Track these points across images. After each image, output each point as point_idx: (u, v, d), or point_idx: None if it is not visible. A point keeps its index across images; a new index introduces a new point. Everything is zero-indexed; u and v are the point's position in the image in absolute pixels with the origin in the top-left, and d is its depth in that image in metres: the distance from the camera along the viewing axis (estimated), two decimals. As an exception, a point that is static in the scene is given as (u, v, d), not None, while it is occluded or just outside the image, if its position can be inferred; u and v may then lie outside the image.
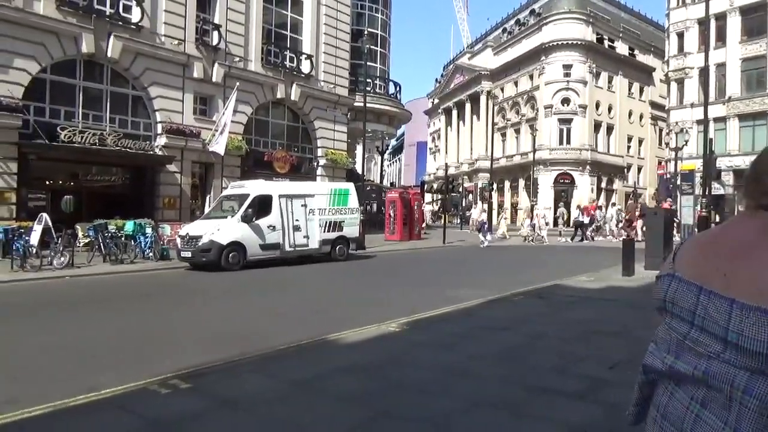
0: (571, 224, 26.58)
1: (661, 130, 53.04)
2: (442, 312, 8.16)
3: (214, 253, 13.99)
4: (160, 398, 4.55)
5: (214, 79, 23.01)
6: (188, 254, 14.37)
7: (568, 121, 48.61)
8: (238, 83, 22.87)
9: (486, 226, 23.98)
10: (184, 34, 22.05)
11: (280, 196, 15.65)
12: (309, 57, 27.16)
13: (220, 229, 14.33)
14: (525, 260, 18.15)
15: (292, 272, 14.37)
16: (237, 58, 24.05)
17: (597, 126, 49.85)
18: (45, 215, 14.51)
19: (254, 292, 11.32)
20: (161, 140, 21.38)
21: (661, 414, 1.38)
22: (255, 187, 15.73)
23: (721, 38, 39.03)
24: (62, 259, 13.74)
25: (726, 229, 1.51)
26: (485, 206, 34.50)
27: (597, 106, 49.56)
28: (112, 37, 19.64)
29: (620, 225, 27.01)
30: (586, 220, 27.44)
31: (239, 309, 9.22)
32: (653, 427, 1.41)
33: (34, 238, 13.88)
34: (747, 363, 1.20)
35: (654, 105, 54.57)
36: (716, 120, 37.41)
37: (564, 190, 47.45)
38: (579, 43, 48.10)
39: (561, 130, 48.74)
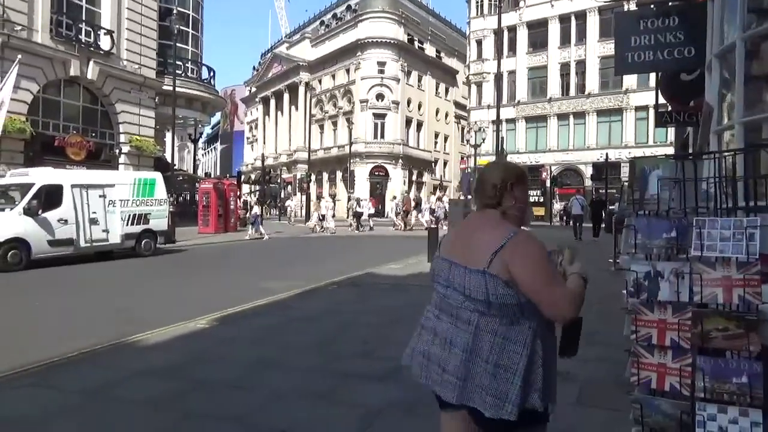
0: (351, 215, 28.73)
1: (463, 128, 58.13)
2: (255, 305, 8.01)
3: (-12, 251, 12.06)
4: None
5: (-13, 49, 19.74)
6: (-48, 253, 12.19)
7: (383, 116, 50.88)
8: (20, 56, 19.85)
9: (258, 218, 23.63)
10: (-54, -7, 18.56)
11: (73, 186, 13.98)
12: (109, 32, 24.62)
13: (-4, 224, 12.40)
14: (338, 250, 18.61)
15: (88, 270, 12.96)
16: (19, 27, 20.88)
17: (408, 122, 52.96)
18: None
19: (40, 294, 9.97)
20: None
21: (425, 354, 2.10)
22: (41, 176, 13.84)
23: (513, 48, 43.93)
24: None
25: (467, 221, 2.34)
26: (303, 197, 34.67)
27: (408, 102, 52.62)
28: None
29: (398, 216, 29.47)
30: (372, 210, 29.34)
31: (19, 315, 8.03)
32: (417, 357, 2.15)
33: None
34: (476, 307, 1.96)
35: (457, 105, 59.59)
36: (508, 121, 42.08)
37: (379, 182, 49.65)
38: (392, 42, 50.52)
39: (376, 125, 50.84)
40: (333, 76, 54.88)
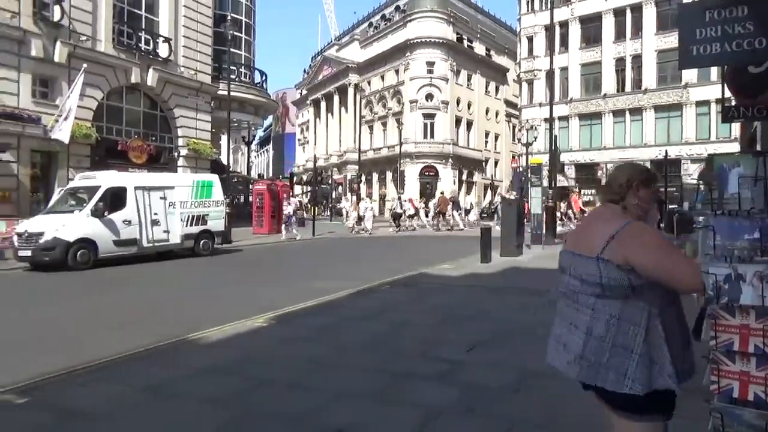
0: (391, 215, 28.76)
1: (514, 127, 57.26)
2: (310, 305, 8.11)
3: (59, 251, 12.69)
4: (-11, 417, 4.03)
5: (56, 59, 20.75)
6: (27, 253, 12.90)
7: (432, 116, 50.70)
8: (85, 65, 20.83)
9: (291, 219, 23.25)
10: (19, 7, 19.62)
11: (136, 188, 14.58)
12: (167, 40, 25.51)
13: (66, 225, 13.04)
14: (388, 251, 18.62)
15: (150, 269, 13.47)
16: (84, 37, 21.92)
17: (458, 121, 52.57)
18: None
19: (106, 292, 10.44)
20: (-8, 125, 18.92)
21: (557, 338, 2.32)
22: (107, 179, 14.49)
23: (565, 44, 42.85)
24: None
25: (591, 214, 2.74)
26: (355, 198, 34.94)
27: (458, 102, 52.22)
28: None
29: (431, 215, 29.32)
30: (411, 211, 29.25)
31: (88, 311, 8.43)
32: (551, 341, 2.36)
33: None
34: (592, 291, 2.13)
35: (508, 103, 58.72)
36: (560, 119, 41.03)
37: (429, 182, 49.48)
38: (441, 41, 50.28)
39: (425, 125, 50.71)
40: (382, 77, 55.08)
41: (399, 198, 30.79)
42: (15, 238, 13.53)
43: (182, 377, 4.94)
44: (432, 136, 50.67)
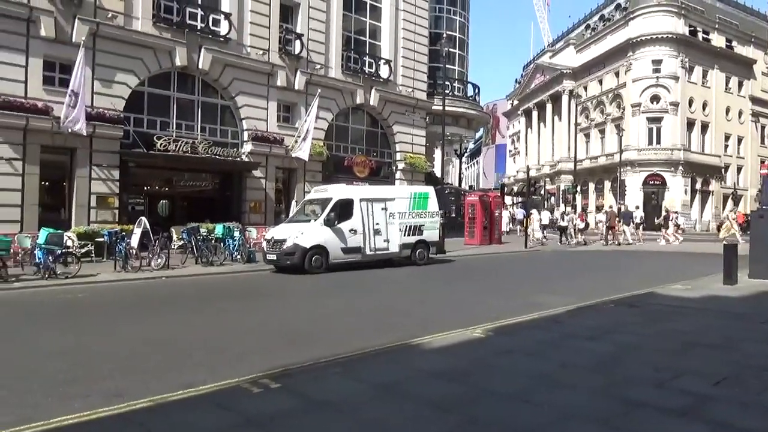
0: (556, 228, 27.19)
1: (763, 127, 49.34)
2: (528, 318, 7.94)
3: (298, 256, 14.37)
4: (253, 397, 4.71)
5: (296, 87, 23.68)
6: (273, 257, 14.87)
7: (658, 120, 46.15)
8: (319, 90, 23.41)
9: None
10: (269, 44, 22.85)
11: (361, 200, 15.84)
12: (387, 62, 27.37)
13: (304, 233, 14.71)
14: (609, 266, 17.38)
15: (373, 275, 14.49)
16: (318, 66, 24.63)
17: (690, 124, 47.01)
18: (144, 219, 15.47)
19: (337, 294, 11.53)
20: (247, 147, 22.26)
21: None
22: (337, 192, 16.02)
23: (835, 25, 35.68)
24: (159, 260, 14.60)
25: None
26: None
27: (690, 102, 46.73)
28: (202, 49, 20.69)
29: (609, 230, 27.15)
30: (581, 225, 27.63)
31: (323, 311, 9.43)
32: None
33: (134, 241, 14.79)
34: None
35: (755, 100, 50.85)
36: (829, 114, 34.19)
37: (654, 191, 45.09)
38: (670, 36, 45.59)
39: (650, 129, 46.36)
40: (600, 82, 51.87)
41: (566, 210, 29.21)
42: (264, 243, 15.73)
43: (409, 378, 5.20)
44: (658, 141, 46.09)
